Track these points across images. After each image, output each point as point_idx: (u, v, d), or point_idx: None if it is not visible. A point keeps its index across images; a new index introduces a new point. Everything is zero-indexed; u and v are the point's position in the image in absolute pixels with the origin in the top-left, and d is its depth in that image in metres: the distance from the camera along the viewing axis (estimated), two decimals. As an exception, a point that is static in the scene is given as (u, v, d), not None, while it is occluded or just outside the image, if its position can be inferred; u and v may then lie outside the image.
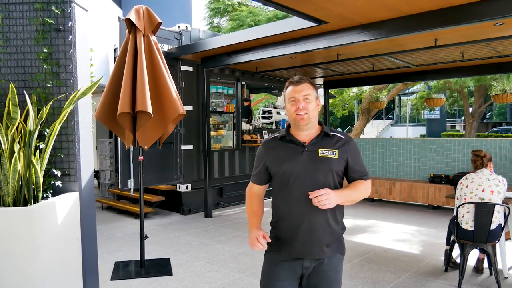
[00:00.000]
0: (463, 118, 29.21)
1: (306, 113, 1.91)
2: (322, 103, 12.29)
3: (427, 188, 7.65)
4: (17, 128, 2.80)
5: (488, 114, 33.71)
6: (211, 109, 7.82)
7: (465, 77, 13.79)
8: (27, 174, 2.71)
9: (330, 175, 1.91)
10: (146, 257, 4.65)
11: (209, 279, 4.13)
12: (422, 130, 31.90)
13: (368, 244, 5.40)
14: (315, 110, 1.95)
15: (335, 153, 1.94)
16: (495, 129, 29.03)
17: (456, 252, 4.39)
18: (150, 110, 3.75)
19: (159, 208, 7.75)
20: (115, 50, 8.33)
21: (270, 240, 1.96)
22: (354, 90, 17.77)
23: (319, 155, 1.92)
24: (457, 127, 33.74)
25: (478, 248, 3.92)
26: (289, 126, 2.06)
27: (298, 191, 1.90)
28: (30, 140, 2.72)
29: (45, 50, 3.04)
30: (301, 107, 1.91)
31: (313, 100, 1.95)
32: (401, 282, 4.03)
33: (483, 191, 3.79)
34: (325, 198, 1.80)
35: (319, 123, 2.02)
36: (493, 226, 3.72)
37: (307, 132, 1.97)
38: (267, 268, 2.05)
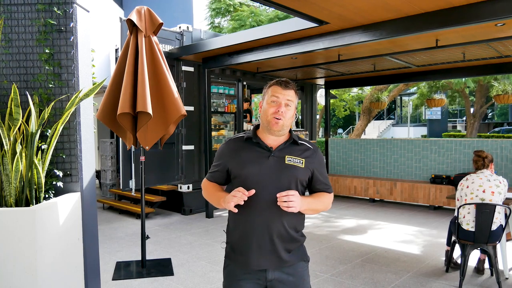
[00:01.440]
0: (464, 118, 29.18)
1: (281, 119, 1.82)
2: (323, 103, 12.29)
3: (428, 188, 7.65)
4: (19, 128, 2.81)
5: (490, 114, 33.65)
6: (212, 110, 7.83)
7: (466, 78, 13.79)
8: (29, 174, 2.72)
9: (294, 184, 1.84)
10: (148, 257, 4.67)
11: (210, 279, 4.14)
12: (424, 130, 31.87)
13: (369, 244, 5.40)
14: (290, 119, 1.86)
15: (302, 162, 1.86)
16: (497, 129, 28.98)
17: (457, 252, 4.39)
18: (150, 110, 3.76)
19: (160, 208, 7.76)
20: (116, 50, 8.35)
21: (252, 193, 1.76)
22: (355, 90, 17.76)
23: (286, 162, 1.83)
24: (459, 128, 33.68)
25: (479, 248, 3.92)
26: (256, 127, 1.95)
27: (259, 197, 1.79)
28: (32, 140, 2.73)
29: (47, 51, 3.05)
30: (280, 111, 1.82)
31: (293, 108, 1.87)
32: (402, 283, 4.03)
33: (483, 191, 3.79)
34: (293, 200, 1.71)
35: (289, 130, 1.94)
36: (494, 227, 3.72)
37: (276, 137, 1.88)
38: (228, 283, 1.93)
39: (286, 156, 1.85)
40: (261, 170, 1.82)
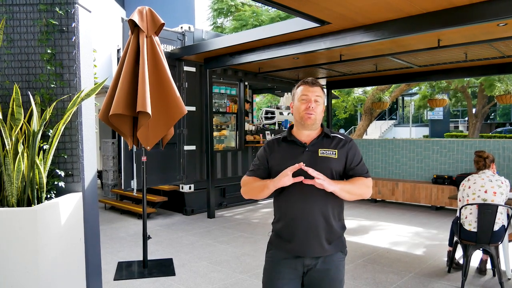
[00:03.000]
0: (466, 118, 29.11)
1: (313, 114, 1.98)
2: (325, 103, 12.26)
3: (430, 188, 7.63)
4: (21, 128, 2.81)
5: (492, 114, 33.56)
6: (213, 110, 7.84)
7: (468, 78, 13.75)
8: (31, 174, 2.72)
9: (330, 175, 1.94)
10: (149, 257, 4.67)
11: (211, 279, 4.14)
12: (425, 130, 31.82)
13: (371, 244, 5.39)
14: (321, 113, 2.02)
15: (335, 153, 1.99)
16: (499, 129, 28.91)
17: (459, 253, 4.37)
18: (149, 110, 3.76)
19: (162, 209, 7.77)
20: (118, 51, 8.36)
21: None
22: (357, 90, 17.72)
23: (319, 155, 1.97)
24: (461, 128, 33.62)
25: (481, 249, 3.91)
26: (291, 127, 2.11)
27: (297, 190, 1.93)
28: (33, 140, 2.73)
29: (48, 51, 3.05)
30: (311, 107, 1.97)
31: (321, 103, 2.02)
32: (404, 283, 4.02)
33: (485, 192, 3.78)
34: (320, 178, 1.84)
35: (320, 125, 2.08)
36: (496, 227, 3.71)
37: (309, 132, 2.03)
38: (269, 266, 2.08)
39: (319, 149, 1.99)
40: None
